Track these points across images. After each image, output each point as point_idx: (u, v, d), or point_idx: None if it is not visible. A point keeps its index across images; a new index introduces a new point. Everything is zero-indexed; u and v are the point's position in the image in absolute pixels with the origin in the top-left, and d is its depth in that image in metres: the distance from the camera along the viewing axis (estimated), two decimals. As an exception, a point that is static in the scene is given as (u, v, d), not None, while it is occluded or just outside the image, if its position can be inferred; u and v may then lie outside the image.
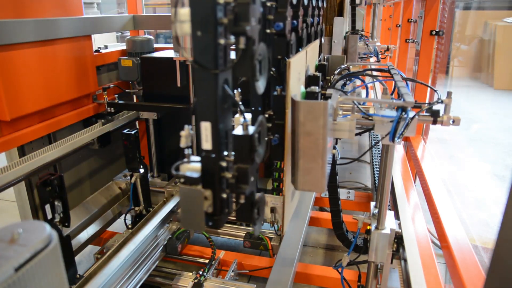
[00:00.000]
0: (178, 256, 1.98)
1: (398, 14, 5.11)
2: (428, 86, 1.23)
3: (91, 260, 2.20)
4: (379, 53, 2.94)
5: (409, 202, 2.06)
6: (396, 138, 0.92)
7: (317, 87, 0.95)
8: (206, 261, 1.92)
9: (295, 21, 1.00)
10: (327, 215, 2.36)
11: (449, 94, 1.00)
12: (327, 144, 0.88)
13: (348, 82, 1.29)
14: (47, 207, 1.63)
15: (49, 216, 1.64)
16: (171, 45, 2.18)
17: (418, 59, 2.88)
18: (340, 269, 1.42)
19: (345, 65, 1.44)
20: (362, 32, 2.95)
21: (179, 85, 2.07)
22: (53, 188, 1.66)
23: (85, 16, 1.99)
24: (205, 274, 1.68)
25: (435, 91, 1.10)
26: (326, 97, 1.09)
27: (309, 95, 0.93)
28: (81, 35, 1.91)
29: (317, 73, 1.14)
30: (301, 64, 0.93)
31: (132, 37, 2.34)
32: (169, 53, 2.26)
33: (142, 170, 2.05)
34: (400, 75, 1.22)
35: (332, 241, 2.53)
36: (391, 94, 1.08)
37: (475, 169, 3.92)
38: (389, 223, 1.20)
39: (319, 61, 1.60)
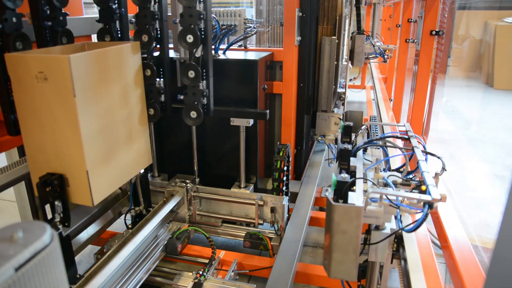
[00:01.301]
0: (178, 256, 1.98)
1: (398, 14, 5.11)
2: (435, 156, 1.18)
3: (91, 260, 2.20)
4: (387, 55, 2.91)
5: (409, 202, 2.06)
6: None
7: (348, 176, 1.00)
8: (206, 261, 1.92)
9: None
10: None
11: (436, 175, 1.01)
12: (360, 240, 0.98)
13: (368, 146, 1.34)
14: (47, 207, 1.63)
15: (49, 216, 1.64)
16: (171, 45, 2.18)
17: (418, 59, 2.88)
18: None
19: (365, 125, 1.49)
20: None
21: (179, 85, 2.07)
22: (53, 188, 1.66)
23: (85, 16, 1.99)
24: (205, 274, 1.68)
25: (440, 159, 1.12)
26: (351, 172, 1.17)
27: (340, 184, 0.99)
28: (81, 35, 1.91)
29: (348, 146, 1.21)
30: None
31: (132, 37, 2.34)
32: (169, 53, 2.26)
33: (142, 170, 2.04)
34: (422, 145, 1.22)
35: (332, 241, 2.53)
36: (409, 160, 1.16)
37: (475, 169, 3.92)
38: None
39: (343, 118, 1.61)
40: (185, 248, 2.04)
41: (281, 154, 2.08)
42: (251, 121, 2.05)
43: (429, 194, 0.96)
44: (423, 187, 0.99)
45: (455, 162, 4.14)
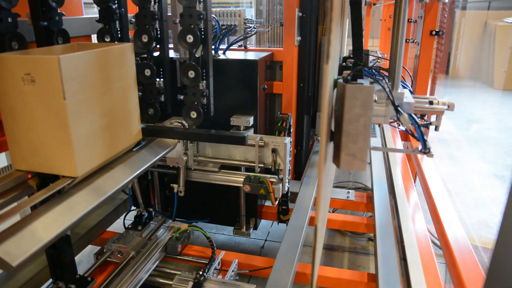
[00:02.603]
0: (178, 256, 1.98)
1: (398, 14, 5.09)
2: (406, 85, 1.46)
3: (91, 260, 2.21)
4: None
5: (409, 202, 2.07)
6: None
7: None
8: (206, 261, 1.92)
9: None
10: (327, 215, 2.36)
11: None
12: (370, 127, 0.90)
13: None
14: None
15: (49, 216, 1.64)
16: (171, 45, 2.18)
17: (418, 59, 2.89)
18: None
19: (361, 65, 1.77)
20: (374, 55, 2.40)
21: (179, 85, 2.07)
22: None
23: (85, 16, 1.99)
24: (205, 274, 1.69)
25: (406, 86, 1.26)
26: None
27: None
28: (81, 35, 1.91)
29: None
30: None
31: (132, 37, 2.34)
32: (169, 53, 2.25)
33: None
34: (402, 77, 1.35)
35: (332, 241, 2.54)
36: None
37: (475, 169, 3.92)
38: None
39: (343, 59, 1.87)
40: (185, 248, 2.04)
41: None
42: (251, 121, 2.05)
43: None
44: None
45: (455, 162, 4.14)
